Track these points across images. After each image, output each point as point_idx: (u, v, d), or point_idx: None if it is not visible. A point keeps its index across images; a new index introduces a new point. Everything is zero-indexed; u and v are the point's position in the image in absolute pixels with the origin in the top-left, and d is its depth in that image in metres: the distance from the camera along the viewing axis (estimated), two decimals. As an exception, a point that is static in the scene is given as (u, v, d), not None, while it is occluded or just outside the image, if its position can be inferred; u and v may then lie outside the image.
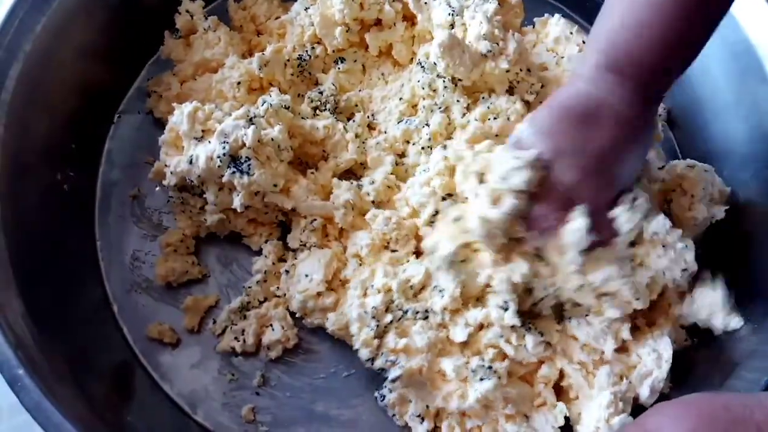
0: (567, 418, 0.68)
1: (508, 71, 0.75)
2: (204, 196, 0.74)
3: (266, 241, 0.77)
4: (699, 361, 0.70)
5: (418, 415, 0.69)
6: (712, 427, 0.48)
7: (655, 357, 0.67)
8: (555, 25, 0.84)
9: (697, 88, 0.82)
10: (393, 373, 0.68)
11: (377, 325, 0.69)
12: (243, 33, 0.87)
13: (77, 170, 0.79)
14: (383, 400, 0.70)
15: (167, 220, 0.81)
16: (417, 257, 0.73)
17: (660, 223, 0.68)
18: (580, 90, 0.64)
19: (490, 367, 0.67)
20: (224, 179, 0.71)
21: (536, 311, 0.70)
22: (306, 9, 0.83)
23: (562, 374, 0.70)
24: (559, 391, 0.70)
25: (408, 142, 0.78)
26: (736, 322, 0.68)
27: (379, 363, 0.69)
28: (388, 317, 0.69)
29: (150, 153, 0.83)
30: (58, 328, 0.67)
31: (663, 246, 0.68)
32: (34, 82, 0.73)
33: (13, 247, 0.67)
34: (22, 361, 0.58)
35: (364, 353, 0.69)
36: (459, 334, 0.68)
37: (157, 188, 0.82)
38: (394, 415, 0.71)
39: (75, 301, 0.73)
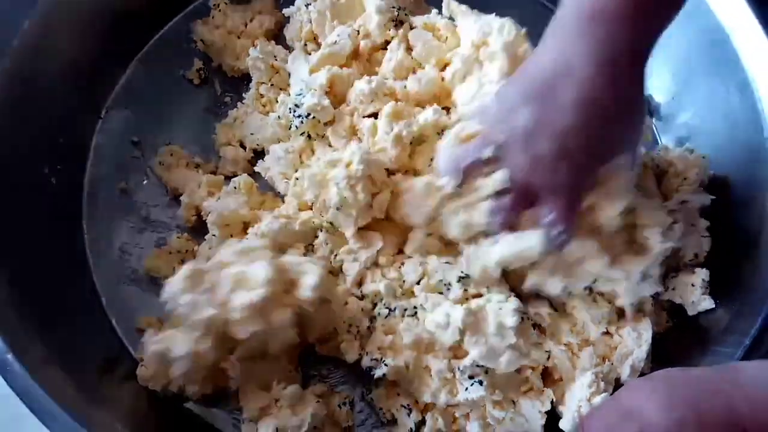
0: (552, 400, 0.69)
1: None
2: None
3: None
4: (678, 342, 0.72)
5: (406, 406, 0.70)
6: (684, 398, 0.49)
7: (635, 337, 0.68)
8: None
9: (676, 78, 0.84)
10: (378, 372, 0.69)
11: (358, 330, 0.70)
12: (215, 49, 0.88)
13: (65, 164, 0.80)
14: (369, 393, 0.72)
15: (155, 214, 0.82)
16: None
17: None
18: (547, 55, 0.55)
19: (478, 365, 0.67)
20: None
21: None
22: (307, 5, 0.84)
23: (548, 356, 0.71)
24: (544, 374, 0.71)
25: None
26: (708, 303, 0.70)
27: (365, 362, 0.70)
28: (366, 322, 0.71)
29: (137, 147, 0.85)
30: (47, 317, 0.67)
31: None
32: (21, 77, 0.74)
33: (2, 239, 0.68)
34: (11, 346, 0.59)
35: (349, 356, 0.71)
36: (448, 338, 0.69)
37: (145, 182, 0.83)
38: (380, 408, 0.71)
39: (64, 292, 0.74)
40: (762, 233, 0.70)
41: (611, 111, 0.55)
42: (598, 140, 0.57)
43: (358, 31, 0.82)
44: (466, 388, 0.67)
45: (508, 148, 0.60)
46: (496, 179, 0.63)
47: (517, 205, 0.63)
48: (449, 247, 0.73)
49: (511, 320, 0.66)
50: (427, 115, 0.74)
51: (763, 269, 0.67)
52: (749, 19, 0.75)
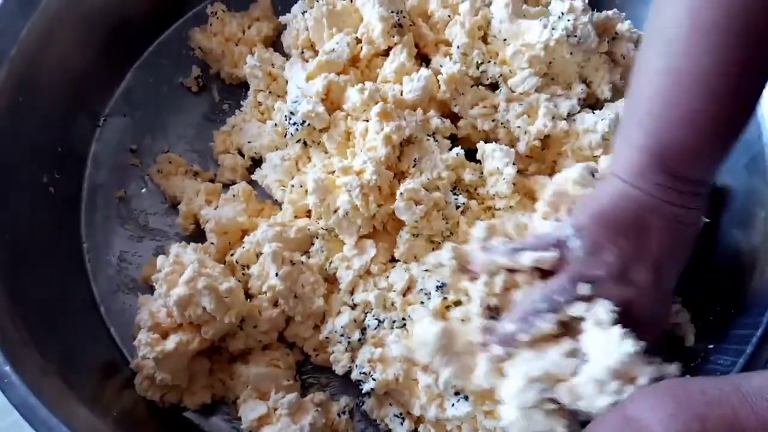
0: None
1: None
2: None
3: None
4: (680, 352, 0.71)
5: (398, 415, 0.70)
6: (689, 410, 0.49)
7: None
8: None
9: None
10: (366, 387, 0.69)
11: (348, 341, 0.71)
12: (213, 57, 0.88)
13: (64, 172, 0.80)
14: (363, 405, 0.72)
15: (153, 222, 0.82)
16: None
17: None
18: (625, 194, 0.58)
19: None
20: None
21: None
22: (303, 13, 0.84)
23: None
24: None
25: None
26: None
27: (354, 375, 0.70)
28: (357, 334, 0.71)
29: (135, 155, 0.85)
30: (46, 327, 0.67)
31: None
32: (20, 86, 0.74)
33: (0, 248, 0.68)
34: (9, 357, 0.59)
35: (338, 368, 0.71)
36: (423, 357, 0.67)
37: (143, 190, 0.83)
38: (375, 419, 0.71)
39: (62, 300, 0.74)
40: (762, 240, 0.69)
41: (690, 239, 0.60)
42: (676, 268, 0.61)
43: (359, 38, 0.82)
44: (453, 404, 0.66)
45: (602, 283, 0.59)
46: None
47: None
48: (438, 248, 0.73)
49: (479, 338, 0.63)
50: (417, 116, 0.74)
51: (763, 278, 0.67)
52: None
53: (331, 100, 0.79)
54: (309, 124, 0.77)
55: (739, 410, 0.47)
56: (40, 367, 0.62)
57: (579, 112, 0.78)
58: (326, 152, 0.79)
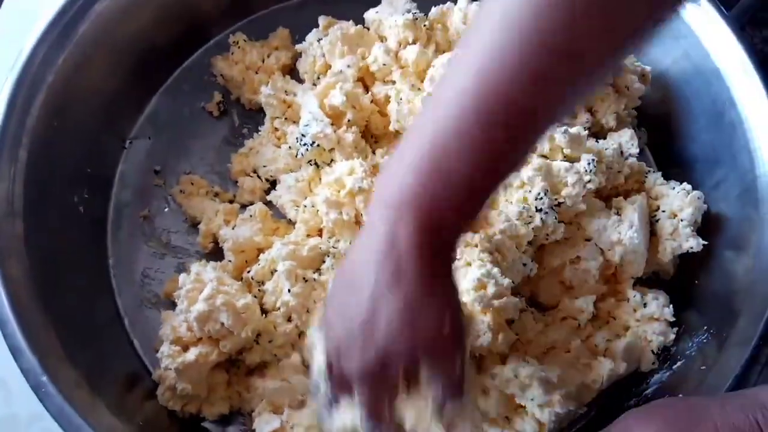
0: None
1: None
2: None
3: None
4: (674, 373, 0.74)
5: None
6: (675, 427, 0.53)
7: None
8: (459, 11, 0.86)
9: (674, 112, 0.87)
10: None
11: None
12: (234, 83, 0.92)
13: (92, 192, 0.85)
14: None
15: (175, 239, 0.86)
16: None
17: None
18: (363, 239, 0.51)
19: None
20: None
21: None
22: (318, 40, 0.89)
23: None
24: None
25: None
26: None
27: None
28: None
29: (159, 176, 0.89)
30: (76, 339, 0.71)
31: None
32: (54, 112, 0.79)
33: (36, 265, 0.72)
34: (45, 368, 0.63)
35: None
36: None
37: (166, 209, 0.88)
38: None
39: (90, 314, 0.78)
40: (755, 265, 0.73)
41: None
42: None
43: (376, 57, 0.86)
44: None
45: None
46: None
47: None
48: None
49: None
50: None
51: (754, 301, 0.70)
52: (742, 57, 0.78)
53: (338, 118, 0.84)
54: (318, 145, 0.81)
55: (720, 426, 0.51)
56: (72, 378, 0.66)
57: None
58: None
